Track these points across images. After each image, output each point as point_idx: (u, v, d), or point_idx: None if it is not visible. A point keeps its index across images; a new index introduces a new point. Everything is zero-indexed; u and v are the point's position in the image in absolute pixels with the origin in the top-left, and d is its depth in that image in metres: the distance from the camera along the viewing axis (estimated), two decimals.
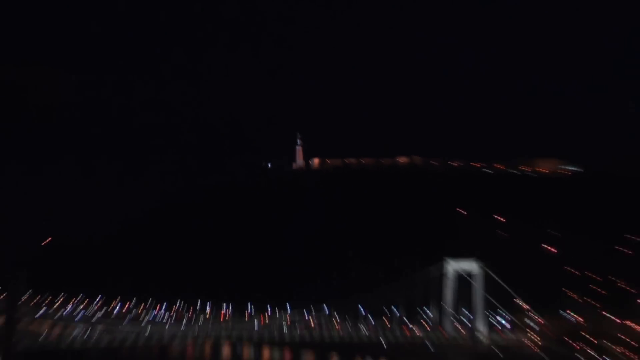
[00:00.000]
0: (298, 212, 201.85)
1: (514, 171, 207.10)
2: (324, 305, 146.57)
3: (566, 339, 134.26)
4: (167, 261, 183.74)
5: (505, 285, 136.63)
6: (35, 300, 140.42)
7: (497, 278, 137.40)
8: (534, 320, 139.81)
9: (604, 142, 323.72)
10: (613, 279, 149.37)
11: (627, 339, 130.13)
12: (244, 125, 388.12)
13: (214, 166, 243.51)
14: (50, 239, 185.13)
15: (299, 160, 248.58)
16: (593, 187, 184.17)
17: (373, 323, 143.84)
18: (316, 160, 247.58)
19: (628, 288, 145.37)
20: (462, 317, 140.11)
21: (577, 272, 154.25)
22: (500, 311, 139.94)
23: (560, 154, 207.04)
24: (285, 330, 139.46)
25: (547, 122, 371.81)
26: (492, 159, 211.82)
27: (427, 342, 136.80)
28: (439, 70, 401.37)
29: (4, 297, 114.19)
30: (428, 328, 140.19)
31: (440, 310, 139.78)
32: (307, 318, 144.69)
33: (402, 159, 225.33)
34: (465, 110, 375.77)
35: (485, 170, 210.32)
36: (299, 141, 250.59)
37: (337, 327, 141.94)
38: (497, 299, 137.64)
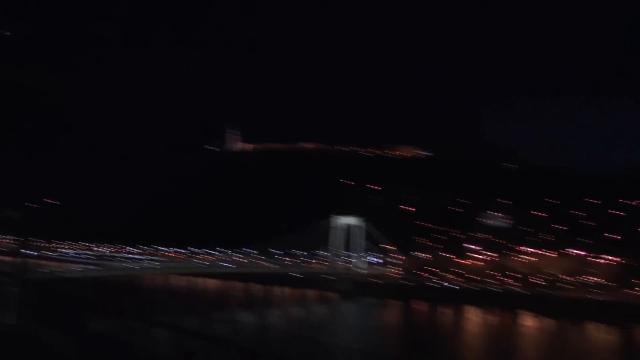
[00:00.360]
0: (233, 183, 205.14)
1: (384, 154, 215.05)
2: (249, 248, 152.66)
3: (417, 271, 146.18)
4: (136, 220, 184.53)
5: (378, 234, 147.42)
6: (42, 244, 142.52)
7: (372, 229, 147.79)
8: (397, 258, 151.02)
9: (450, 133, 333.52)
10: (449, 229, 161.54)
11: (457, 270, 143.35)
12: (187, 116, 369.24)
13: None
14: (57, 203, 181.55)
15: (234, 145, 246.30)
16: (438, 166, 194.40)
17: (287, 260, 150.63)
18: (244, 145, 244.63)
19: (458, 235, 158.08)
20: (347, 257, 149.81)
21: (426, 225, 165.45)
22: (374, 252, 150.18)
23: (417, 142, 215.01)
24: (221, 266, 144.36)
25: (409, 115, 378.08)
26: (368, 144, 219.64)
27: (324, 274, 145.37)
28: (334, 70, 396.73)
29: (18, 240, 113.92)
30: (324, 264, 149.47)
31: (332, 252, 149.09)
32: (236, 257, 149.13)
33: (308, 145, 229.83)
34: (352, 105, 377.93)
35: (364, 153, 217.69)
36: (233, 130, 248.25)
37: (259, 263, 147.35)
38: (372, 243, 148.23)
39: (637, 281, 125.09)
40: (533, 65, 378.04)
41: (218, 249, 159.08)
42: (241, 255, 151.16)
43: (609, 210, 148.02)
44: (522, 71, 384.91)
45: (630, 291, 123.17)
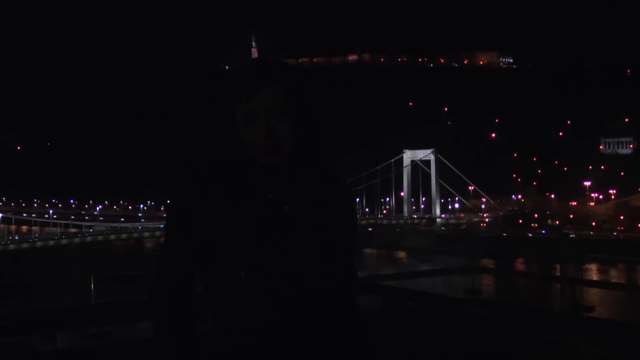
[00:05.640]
0: None
1: (455, 64, 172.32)
2: None
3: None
4: None
5: (457, 172, 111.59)
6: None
7: (450, 165, 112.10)
8: (484, 202, 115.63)
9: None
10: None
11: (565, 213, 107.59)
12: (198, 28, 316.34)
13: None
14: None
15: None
16: (528, 78, 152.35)
17: None
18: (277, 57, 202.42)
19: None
20: (420, 203, 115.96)
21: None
22: (455, 196, 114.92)
23: (498, 47, 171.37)
24: None
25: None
26: (435, 52, 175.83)
27: (392, 225, 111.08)
28: None
29: None
30: (385, 212, 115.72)
31: (401, 197, 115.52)
32: None
33: (352, 57, 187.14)
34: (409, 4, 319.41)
35: (429, 64, 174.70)
36: (254, 43, 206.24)
37: None
38: (451, 184, 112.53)
39: None
40: None
41: None
42: None
43: None
44: None
45: None
